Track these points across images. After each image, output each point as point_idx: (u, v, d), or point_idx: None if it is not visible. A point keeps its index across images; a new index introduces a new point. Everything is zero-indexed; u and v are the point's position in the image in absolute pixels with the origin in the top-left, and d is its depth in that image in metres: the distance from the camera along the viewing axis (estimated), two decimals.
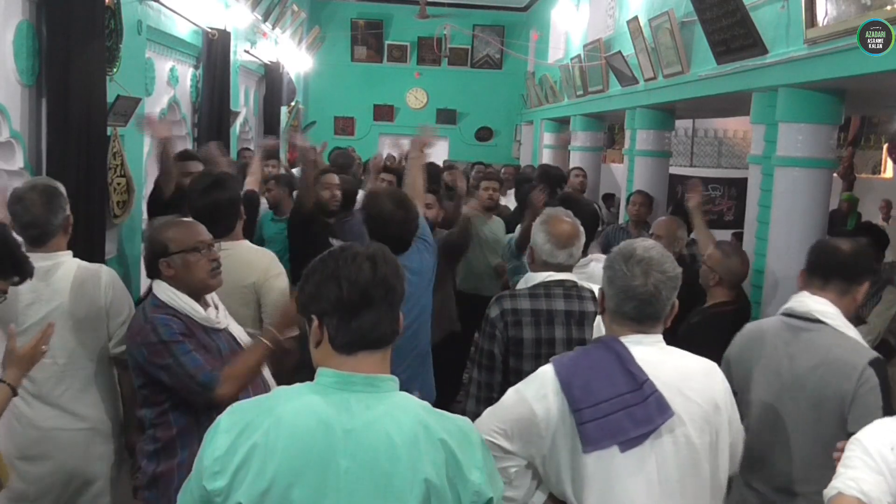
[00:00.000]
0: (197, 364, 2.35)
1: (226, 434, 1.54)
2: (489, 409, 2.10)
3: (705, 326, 3.54)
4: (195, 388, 2.36)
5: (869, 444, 1.68)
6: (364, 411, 1.53)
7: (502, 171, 8.45)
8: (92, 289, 2.80)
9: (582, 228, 2.88)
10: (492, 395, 2.77)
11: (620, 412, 1.90)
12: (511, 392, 2.06)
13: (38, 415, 2.76)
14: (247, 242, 3.26)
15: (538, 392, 1.98)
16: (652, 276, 1.95)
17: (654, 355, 1.97)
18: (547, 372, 2.01)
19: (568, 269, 2.84)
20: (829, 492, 1.67)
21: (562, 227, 2.83)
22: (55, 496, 2.80)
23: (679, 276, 2.01)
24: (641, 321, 1.99)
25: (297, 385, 1.61)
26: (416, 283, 3.26)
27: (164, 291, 2.46)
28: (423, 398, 1.65)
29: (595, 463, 1.91)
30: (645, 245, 2.02)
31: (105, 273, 2.88)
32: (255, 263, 3.14)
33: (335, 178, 4.59)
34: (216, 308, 2.58)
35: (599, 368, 1.95)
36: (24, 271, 2.33)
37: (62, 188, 2.91)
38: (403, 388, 1.63)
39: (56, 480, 2.79)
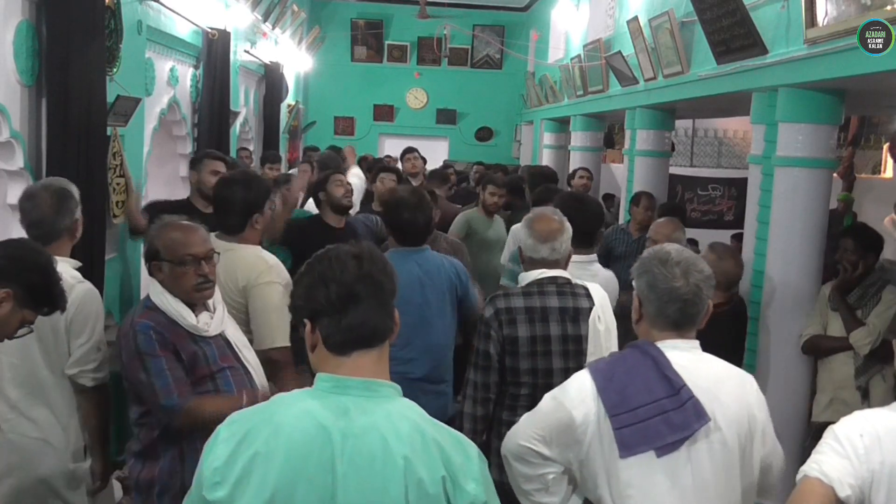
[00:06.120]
0: (164, 385, 2.35)
1: (224, 444, 1.54)
2: (526, 416, 2.11)
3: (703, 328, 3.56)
4: (158, 408, 2.39)
5: (840, 431, 1.74)
6: (361, 416, 1.53)
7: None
8: None
9: (567, 225, 2.88)
10: (488, 395, 2.78)
11: (657, 417, 1.91)
12: (548, 398, 2.06)
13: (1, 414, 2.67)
14: (254, 247, 3.10)
15: (576, 397, 1.99)
16: (692, 275, 1.98)
17: (690, 360, 1.98)
18: (583, 377, 2.02)
19: (555, 264, 2.84)
20: (798, 476, 1.73)
21: (544, 223, 2.86)
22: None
23: (713, 276, 2.03)
24: (682, 325, 2.00)
25: (296, 391, 1.61)
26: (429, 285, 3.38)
27: (157, 293, 2.46)
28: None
29: (631, 468, 1.92)
30: (675, 248, 2.05)
31: (78, 290, 2.71)
32: (249, 268, 2.99)
33: (343, 178, 4.63)
34: (212, 311, 2.54)
35: (636, 373, 1.96)
36: (57, 305, 2.23)
37: (75, 191, 2.88)
38: None
39: (7, 487, 2.65)
